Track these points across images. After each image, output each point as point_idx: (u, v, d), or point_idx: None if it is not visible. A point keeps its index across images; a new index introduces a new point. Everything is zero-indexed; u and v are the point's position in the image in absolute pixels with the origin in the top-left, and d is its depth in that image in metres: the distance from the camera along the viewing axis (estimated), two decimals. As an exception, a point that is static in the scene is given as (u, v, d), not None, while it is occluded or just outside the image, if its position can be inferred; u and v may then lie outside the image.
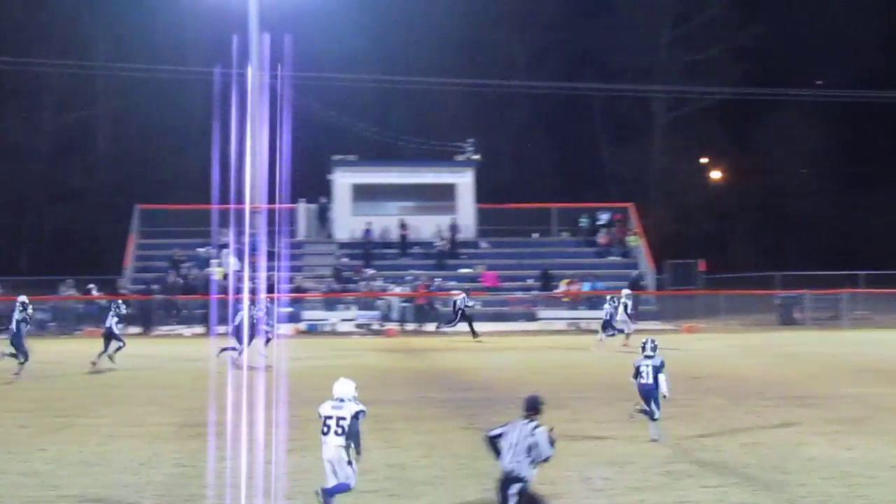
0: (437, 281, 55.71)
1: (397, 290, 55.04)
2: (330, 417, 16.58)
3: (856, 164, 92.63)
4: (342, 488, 16.68)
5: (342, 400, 16.66)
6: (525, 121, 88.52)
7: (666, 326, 52.24)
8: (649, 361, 22.86)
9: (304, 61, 56.06)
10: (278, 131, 33.27)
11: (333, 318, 53.22)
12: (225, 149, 31.14)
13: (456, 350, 42.78)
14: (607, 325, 42.88)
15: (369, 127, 74.76)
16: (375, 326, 52.31)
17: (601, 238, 62.16)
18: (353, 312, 53.72)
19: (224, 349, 34.99)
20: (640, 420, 22.86)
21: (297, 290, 54.67)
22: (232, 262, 52.09)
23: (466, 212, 62.50)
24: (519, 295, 57.20)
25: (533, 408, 15.07)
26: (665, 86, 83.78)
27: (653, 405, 22.66)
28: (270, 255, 48.04)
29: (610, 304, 43.48)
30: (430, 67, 78.82)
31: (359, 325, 52.43)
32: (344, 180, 62.35)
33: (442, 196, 62.90)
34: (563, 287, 56.69)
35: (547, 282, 57.38)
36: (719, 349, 43.45)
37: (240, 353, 34.28)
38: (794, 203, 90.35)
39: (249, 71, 53.11)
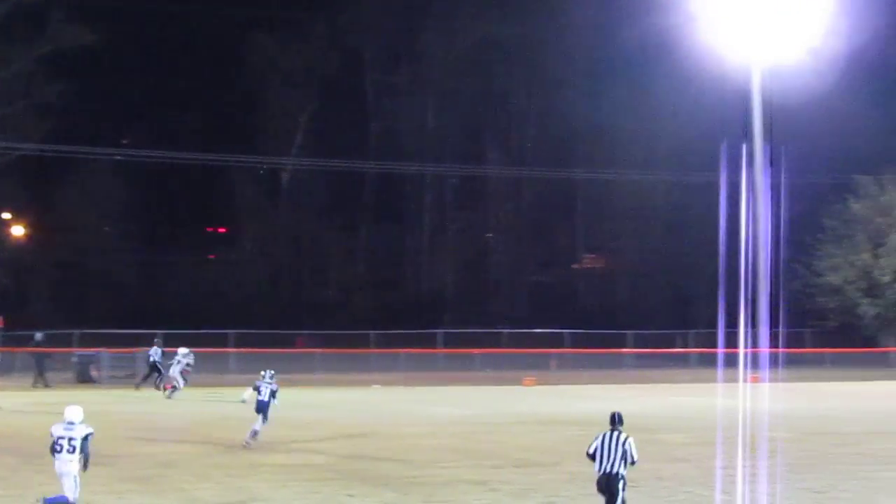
0: None
1: None
2: (62, 438, 19.20)
3: (157, 224, 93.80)
4: (63, 500, 19.28)
5: (72, 423, 19.26)
6: None
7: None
8: (268, 386, 30.16)
9: None
10: None
11: None
12: None
13: None
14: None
15: None
16: None
17: None
18: None
19: None
20: None
21: None
22: None
23: None
24: None
25: (620, 421, 18.47)
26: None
27: (262, 418, 29.93)
28: None
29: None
30: None
31: None
32: None
33: None
34: None
35: None
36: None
37: None
38: (96, 261, 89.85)
39: None
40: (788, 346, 67.05)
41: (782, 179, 62.93)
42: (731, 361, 50.50)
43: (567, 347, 68.74)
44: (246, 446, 29.63)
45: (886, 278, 74.97)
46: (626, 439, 18.16)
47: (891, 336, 76.87)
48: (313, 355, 61.24)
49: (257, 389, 30.28)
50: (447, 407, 43.54)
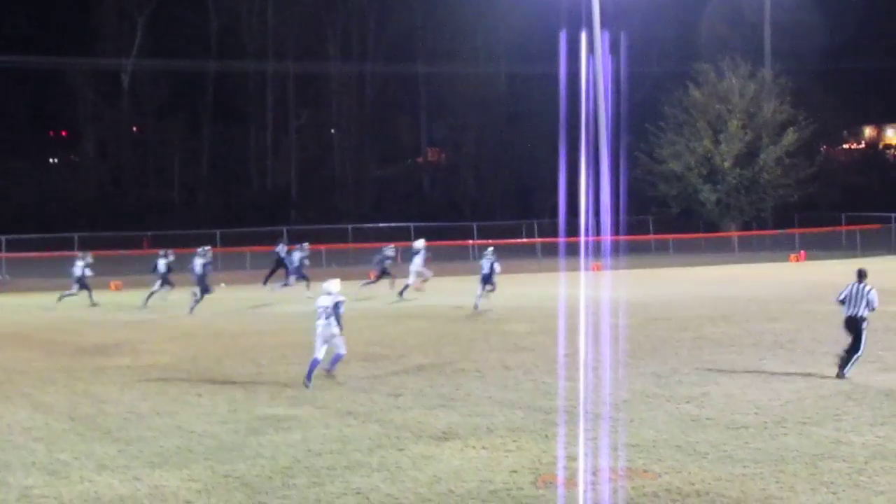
0: None
1: None
2: (322, 306, 23.18)
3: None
4: (338, 357, 23.81)
5: (330, 293, 23.12)
6: None
7: None
8: (489, 260, 37.92)
9: None
10: None
11: None
12: None
13: None
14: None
15: None
16: None
17: None
18: None
19: None
20: None
21: None
22: None
23: None
24: None
25: (865, 276, 22.55)
26: None
27: (480, 287, 38.30)
28: None
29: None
30: None
31: None
32: None
33: None
34: None
35: None
36: None
37: None
38: None
39: None
40: (632, 234, 68.23)
41: (622, 67, 63.40)
42: (574, 250, 51.32)
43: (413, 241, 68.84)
44: (475, 310, 37.68)
45: (727, 164, 76.40)
46: (869, 290, 22.35)
47: (731, 221, 78.57)
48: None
49: (481, 265, 38.49)
50: (292, 304, 43.49)
